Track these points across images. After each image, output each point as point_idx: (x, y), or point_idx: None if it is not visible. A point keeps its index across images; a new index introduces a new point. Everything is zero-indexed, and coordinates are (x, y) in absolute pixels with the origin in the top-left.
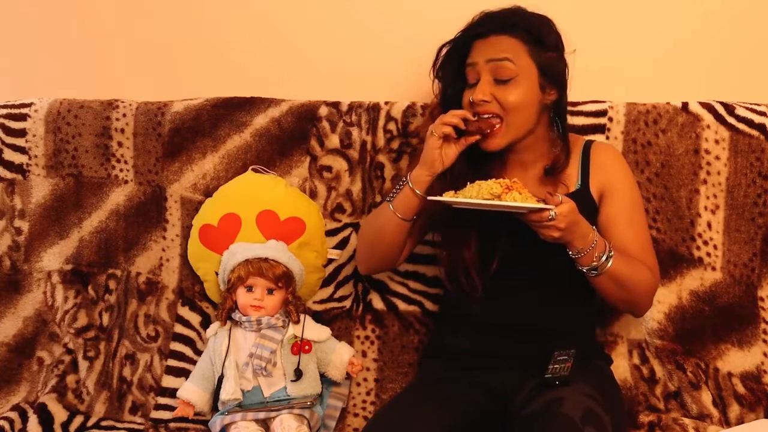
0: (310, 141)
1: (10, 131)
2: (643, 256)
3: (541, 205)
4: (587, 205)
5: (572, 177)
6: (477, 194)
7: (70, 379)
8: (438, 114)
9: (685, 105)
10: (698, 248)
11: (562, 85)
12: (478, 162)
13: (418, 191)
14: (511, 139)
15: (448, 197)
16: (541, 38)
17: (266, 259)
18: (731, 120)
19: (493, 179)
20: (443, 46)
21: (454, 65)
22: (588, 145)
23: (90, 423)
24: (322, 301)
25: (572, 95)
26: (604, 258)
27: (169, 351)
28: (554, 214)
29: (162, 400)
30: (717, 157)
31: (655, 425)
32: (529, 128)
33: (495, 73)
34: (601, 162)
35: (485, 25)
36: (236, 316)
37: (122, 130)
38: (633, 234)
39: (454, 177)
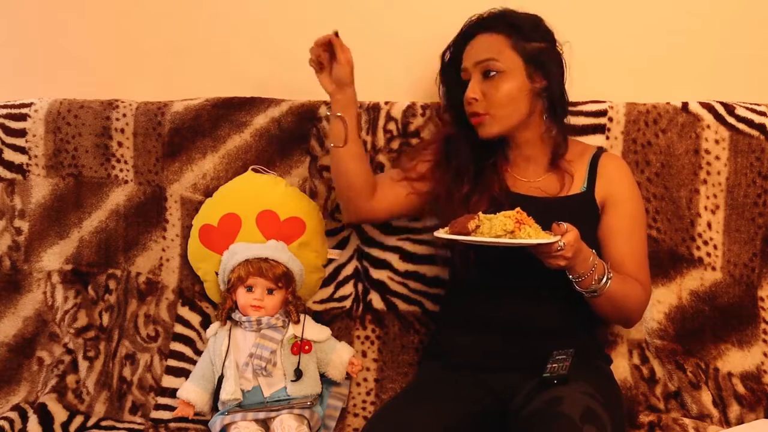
0: (310, 141)
1: (10, 131)
2: (637, 270)
3: (551, 239)
4: (590, 209)
5: (579, 179)
6: (489, 231)
7: (70, 379)
8: (441, 116)
9: (685, 105)
10: (698, 248)
11: (550, 73)
12: (482, 155)
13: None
14: (501, 128)
15: (460, 236)
16: (524, 31)
17: (266, 259)
18: (731, 120)
19: (503, 213)
20: (443, 53)
21: (452, 69)
22: (598, 153)
23: (90, 423)
24: (322, 301)
25: (572, 95)
26: (603, 281)
27: (169, 351)
28: (563, 244)
29: (162, 400)
30: (717, 157)
31: (655, 425)
32: (520, 118)
33: (483, 71)
34: (609, 172)
35: (473, 27)
36: (236, 316)
37: (122, 130)
38: (630, 248)
39: (459, 165)
